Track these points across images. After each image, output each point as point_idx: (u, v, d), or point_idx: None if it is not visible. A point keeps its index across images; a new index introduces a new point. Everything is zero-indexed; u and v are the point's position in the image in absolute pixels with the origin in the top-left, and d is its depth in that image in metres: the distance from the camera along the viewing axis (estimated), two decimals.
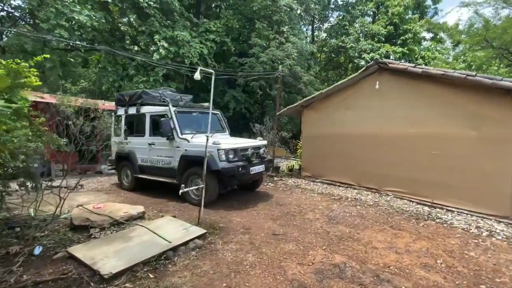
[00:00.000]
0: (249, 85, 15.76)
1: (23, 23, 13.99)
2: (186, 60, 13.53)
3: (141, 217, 4.57)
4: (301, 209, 5.57)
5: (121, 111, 7.34)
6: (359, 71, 7.00)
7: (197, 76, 4.13)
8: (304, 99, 8.33)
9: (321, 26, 26.46)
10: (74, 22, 11.80)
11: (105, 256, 3.13)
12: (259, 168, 5.99)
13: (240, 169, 5.46)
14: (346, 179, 7.52)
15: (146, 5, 12.78)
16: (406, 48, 18.94)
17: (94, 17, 12.21)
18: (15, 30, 12.07)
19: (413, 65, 6.27)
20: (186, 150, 5.83)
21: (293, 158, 12.78)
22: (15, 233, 3.96)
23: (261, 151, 6.14)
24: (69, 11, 11.58)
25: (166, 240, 3.53)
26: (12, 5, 12.76)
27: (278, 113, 9.24)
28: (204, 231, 3.96)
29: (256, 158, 6.01)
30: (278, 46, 15.36)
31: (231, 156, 5.50)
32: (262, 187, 7.61)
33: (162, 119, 5.97)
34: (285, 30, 16.33)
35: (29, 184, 4.09)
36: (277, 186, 7.81)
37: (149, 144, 6.61)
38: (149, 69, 14.20)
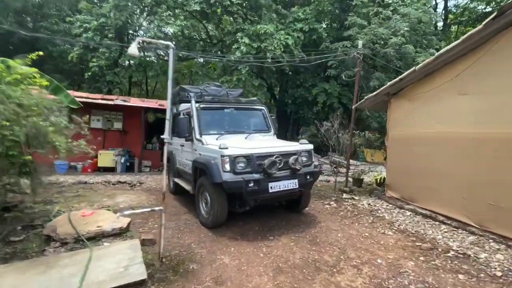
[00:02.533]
0: (342, 76, 13.13)
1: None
2: (268, 53, 12.53)
3: (117, 234, 3.81)
4: (341, 259, 3.41)
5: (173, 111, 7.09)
6: (489, 19, 3.81)
7: (132, 50, 2.93)
8: (390, 82, 5.58)
9: None
10: (168, 33, 13.04)
11: None
12: (288, 184, 4.16)
13: (250, 184, 3.87)
14: (457, 212, 4.43)
15: (229, 2, 12.62)
16: None
17: (185, 25, 13.10)
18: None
19: None
20: (200, 154, 4.73)
21: None
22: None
23: (293, 160, 4.22)
24: (164, 24, 12.87)
25: (81, 284, 2.53)
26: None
27: (354, 106, 6.77)
28: (143, 277, 2.72)
29: (283, 169, 4.21)
30: (382, 23, 12.04)
31: (240, 166, 3.97)
32: (319, 206, 5.60)
33: (179, 117, 5.11)
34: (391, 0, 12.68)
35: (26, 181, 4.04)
36: (340, 209, 5.55)
37: (181, 146, 5.94)
38: (234, 68, 14.11)
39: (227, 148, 4.01)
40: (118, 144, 10.27)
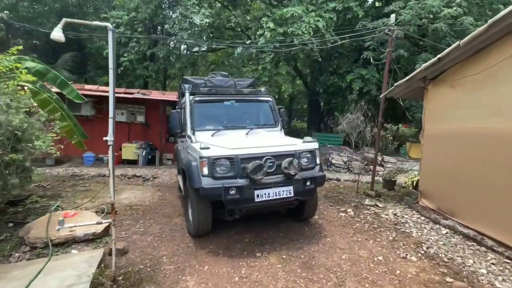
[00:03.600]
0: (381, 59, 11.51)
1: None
2: (295, 39, 11.52)
3: (90, 240, 3.54)
4: None
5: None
6: None
7: (56, 34, 2.43)
8: (426, 64, 4.36)
9: None
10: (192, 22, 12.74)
11: None
12: (280, 192, 3.45)
13: (231, 192, 3.26)
14: None
15: None
16: None
17: (209, 13, 12.66)
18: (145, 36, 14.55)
19: None
20: (188, 153, 4.25)
21: None
22: None
23: (287, 163, 3.42)
24: (190, 13, 12.59)
25: None
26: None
27: (383, 94, 5.60)
28: None
29: (276, 174, 3.50)
30: None
31: (222, 169, 3.37)
32: (332, 214, 4.79)
33: (171, 111, 4.67)
34: None
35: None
36: (357, 219, 4.65)
37: (181, 142, 5.56)
38: (260, 57, 13.35)
39: (208, 148, 3.44)
40: (142, 137, 10.43)
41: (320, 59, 13.02)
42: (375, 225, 4.37)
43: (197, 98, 4.76)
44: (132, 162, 9.77)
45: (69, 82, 6.03)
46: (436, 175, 4.58)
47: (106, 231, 3.72)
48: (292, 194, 3.50)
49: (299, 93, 23.60)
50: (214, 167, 3.34)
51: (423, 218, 4.51)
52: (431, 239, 3.83)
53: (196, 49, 15.28)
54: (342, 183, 7.25)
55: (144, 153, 9.68)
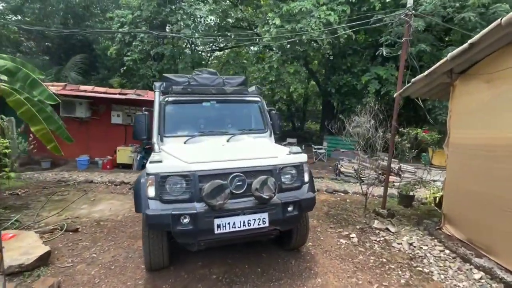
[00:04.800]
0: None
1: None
2: (304, 36, 10.61)
3: (16, 272, 2.86)
4: None
5: None
6: None
7: None
8: (452, 53, 3.34)
9: None
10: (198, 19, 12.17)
11: None
12: (250, 221, 2.61)
13: (182, 221, 2.47)
14: None
15: None
16: None
17: (214, 9, 12.03)
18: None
19: None
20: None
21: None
22: None
23: (259, 183, 2.55)
24: (193, 9, 12.02)
25: None
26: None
27: (397, 93, 4.60)
28: None
29: (246, 196, 2.67)
30: None
31: (173, 190, 2.59)
32: (330, 240, 3.88)
33: (136, 114, 3.97)
34: None
35: None
36: (362, 248, 3.72)
37: None
38: (266, 55, 12.54)
39: (159, 161, 2.67)
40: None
41: (331, 57, 12.03)
42: (384, 259, 3.42)
43: (169, 98, 4.04)
44: (127, 167, 9.25)
45: (47, 82, 5.50)
46: (465, 196, 3.56)
47: (41, 260, 3.05)
48: (267, 224, 2.66)
49: (313, 93, 22.55)
50: (163, 187, 2.56)
51: (447, 252, 3.50)
52: (459, 286, 2.85)
53: (201, 48, 14.73)
54: (349, 197, 6.28)
55: (138, 157, 9.14)
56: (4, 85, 5.63)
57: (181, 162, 2.70)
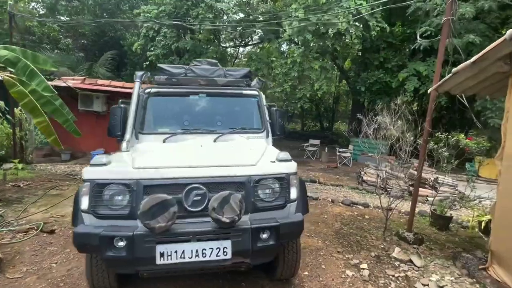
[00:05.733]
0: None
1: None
2: (330, 29, 9.66)
3: None
4: None
5: None
6: None
7: None
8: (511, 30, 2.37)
9: None
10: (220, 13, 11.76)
11: None
12: (205, 250, 1.96)
13: (115, 244, 1.90)
14: None
15: None
16: None
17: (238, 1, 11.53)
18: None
19: None
20: None
21: None
22: None
23: (218, 200, 1.91)
24: (214, 2, 11.62)
25: None
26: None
27: (432, 88, 3.59)
28: None
29: (203, 216, 2.02)
30: None
31: (112, 203, 2.02)
32: (334, 271, 3.10)
33: (112, 106, 3.50)
34: None
35: None
36: (372, 287, 2.88)
37: None
38: (290, 50, 11.70)
39: (102, 163, 2.13)
40: None
41: (361, 52, 10.88)
42: None
43: (150, 90, 3.53)
44: None
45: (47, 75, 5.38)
46: None
47: None
48: (229, 256, 1.98)
49: (344, 92, 21.18)
50: (99, 197, 2.01)
51: None
52: None
53: (225, 44, 14.35)
54: (369, 212, 5.32)
55: None
56: (8, 76, 5.58)
57: (126, 167, 2.12)
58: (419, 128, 4.07)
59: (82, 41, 18.54)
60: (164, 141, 3.20)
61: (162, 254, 1.91)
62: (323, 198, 5.88)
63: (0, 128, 7.18)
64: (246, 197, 2.10)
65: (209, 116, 3.68)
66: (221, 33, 13.72)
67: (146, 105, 3.44)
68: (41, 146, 9.67)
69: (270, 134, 3.60)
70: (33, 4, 17.08)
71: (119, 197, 2.02)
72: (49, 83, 5.88)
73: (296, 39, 10.71)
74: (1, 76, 5.61)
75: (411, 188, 6.28)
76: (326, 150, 11.56)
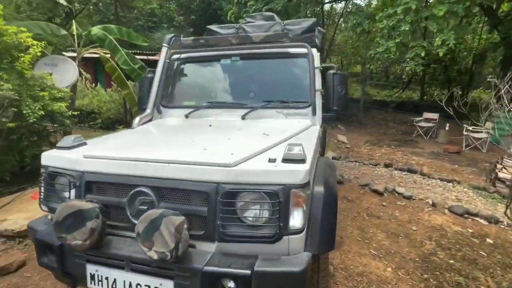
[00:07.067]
0: None
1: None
2: None
3: None
4: None
5: None
6: None
7: None
8: None
9: None
10: None
11: None
12: (138, 285, 1.33)
13: (43, 248, 1.55)
14: None
15: None
16: None
17: None
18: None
19: None
20: None
21: None
22: None
23: (145, 223, 1.20)
24: None
25: None
26: None
27: None
28: None
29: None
30: None
31: (62, 199, 1.65)
32: None
33: (143, 77, 3.20)
34: None
35: None
36: None
37: None
38: None
39: (68, 147, 1.78)
40: None
41: None
42: None
43: (178, 56, 3.03)
44: None
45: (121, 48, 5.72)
46: None
47: None
48: None
49: (491, 48, 15.42)
50: (52, 190, 1.67)
51: None
52: None
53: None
54: (497, 232, 3.40)
55: None
56: (104, 52, 6.30)
57: (78, 154, 1.68)
58: None
59: (192, 16, 20.22)
60: (186, 117, 2.70)
61: (92, 277, 1.43)
62: (419, 198, 4.23)
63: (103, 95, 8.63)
64: (210, 215, 1.32)
65: (242, 84, 2.90)
66: None
67: (169, 74, 2.98)
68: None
69: (319, 110, 2.53)
70: None
71: (66, 193, 1.63)
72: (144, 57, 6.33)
73: None
74: (98, 54, 6.35)
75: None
76: (447, 128, 8.68)
